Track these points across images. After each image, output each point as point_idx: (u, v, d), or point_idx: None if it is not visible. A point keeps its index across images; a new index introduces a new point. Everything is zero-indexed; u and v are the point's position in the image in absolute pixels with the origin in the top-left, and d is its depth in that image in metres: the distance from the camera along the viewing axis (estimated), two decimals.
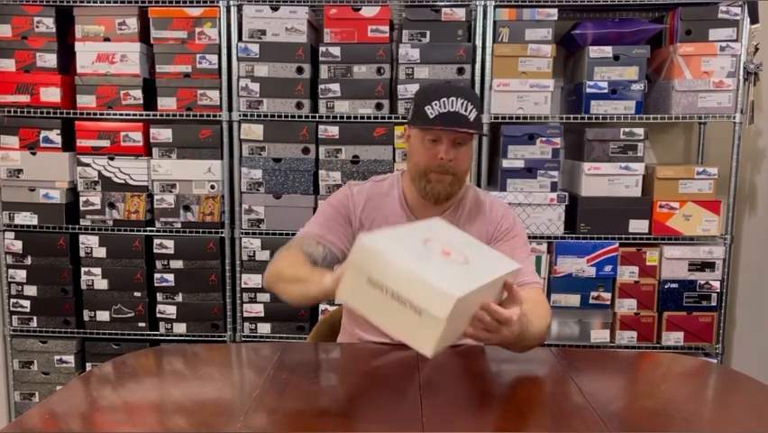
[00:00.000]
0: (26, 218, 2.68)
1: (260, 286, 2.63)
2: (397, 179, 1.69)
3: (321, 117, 2.59)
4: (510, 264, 1.31)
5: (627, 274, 2.58)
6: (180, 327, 2.69)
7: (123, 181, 2.65)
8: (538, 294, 1.55)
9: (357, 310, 1.15)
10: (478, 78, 2.55)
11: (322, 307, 2.63)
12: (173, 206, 2.64)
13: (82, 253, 2.67)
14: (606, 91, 2.52)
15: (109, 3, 2.59)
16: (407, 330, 1.10)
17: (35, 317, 2.73)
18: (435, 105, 1.49)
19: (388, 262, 1.11)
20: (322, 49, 2.55)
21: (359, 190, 1.66)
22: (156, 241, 2.64)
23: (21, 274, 2.70)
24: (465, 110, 1.50)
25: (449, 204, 1.64)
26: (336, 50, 2.55)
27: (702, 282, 2.57)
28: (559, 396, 1.31)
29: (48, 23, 2.60)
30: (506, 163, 2.54)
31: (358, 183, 1.69)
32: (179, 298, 2.68)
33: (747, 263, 2.87)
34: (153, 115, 2.63)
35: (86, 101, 2.63)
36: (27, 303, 2.72)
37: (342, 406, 1.22)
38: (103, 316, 2.70)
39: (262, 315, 2.66)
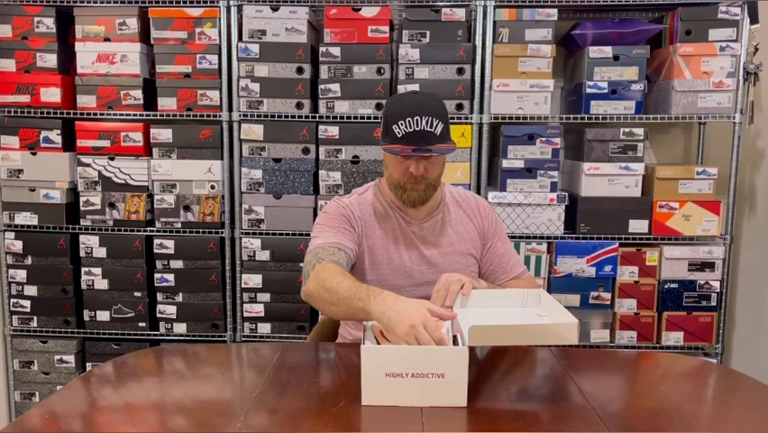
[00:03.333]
0: (26, 218, 2.68)
1: (260, 286, 2.63)
2: (377, 187, 1.76)
3: (321, 117, 2.59)
4: None
5: (627, 274, 2.58)
6: (180, 327, 2.69)
7: (123, 181, 2.65)
8: (531, 280, 1.78)
9: (385, 403, 1.21)
10: (478, 79, 2.55)
11: None
12: (173, 206, 2.64)
13: (82, 253, 2.67)
14: (606, 91, 2.52)
15: (109, 3, 2.59)
16: (438, 395, 1.20)
17: (35, 317, 2.73)
18: (402, 124, 1.54)
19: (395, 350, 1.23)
20: (322, 49, 2.55)
21: (349, 201, 1.72)
22: (156, 241, 2.64)
23: (21, 274, 2.70)
24: (431, 126, 1.54)
25: (430, 206, 1.72)
26: (336, 51, 2.55)
27: (702, 282, 2.57)
28: (559, 396, 1.31)
29: (48, 24, 2.60)
30: (505, 163, 2.55)
31: (342, 197, 1.75)
32: (179, 298, 2.68)
33: (747, 263, 2.87)
34: (153, 116, 2.63)
35: (86, 101, 2.63)
36: (27, 303, 2.72)
37: (342, 406, 1.22)
38: (103, 316, 2.70)
39: (262, 315, 2.66)
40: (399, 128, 1.54)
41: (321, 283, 1.45)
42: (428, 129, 1.54)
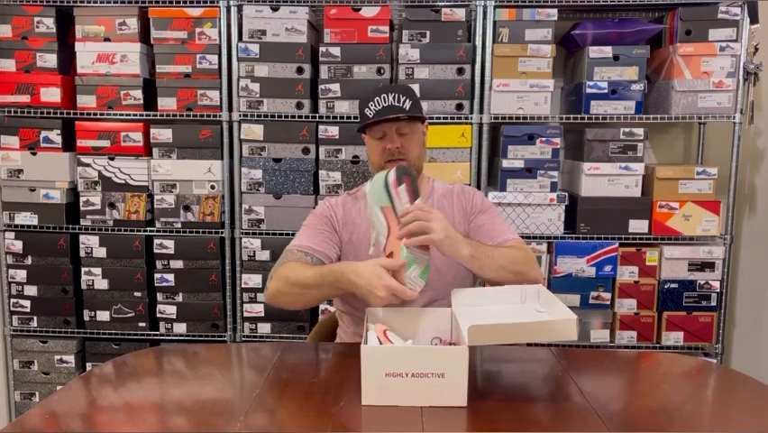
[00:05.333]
0: (26, 218, 2.68)
1: (260, 286, 2.63)
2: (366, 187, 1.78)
3: (321, 117, 2.59)
4: None
5: (627, 274, 2.58)
6: (180, 327, 2.69)
7: (123, 181, 2.65)
8: (518, 244, 1.69)
9: (385, 403, 1.22)
10: (478, 78, 2.55)
11: (322, 307, 2.63)
12: (173, 206, 2.64)
13: (82, 253, 2.67)
14: (606, 91, 2.52)
15: (109, 3, 2.59)
16: (438, 395, 1.20)
17: (35, 317, 2.73)
18: (372, 105, 1.65)
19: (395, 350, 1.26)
20: (322, 49, 2.55)
21: (335, 201, 1.79)
22: (156, 241, 2.64)
23: (21, 274, 2.70)
24: (398, 102, 1.65)
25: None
26: (336, 51, 2.55)
27: (702, 282, 2.57)
28: (559, 396, 1.31)
29: (48, 24, 2.60)
30: (506, 163, 2.55)
31: (332, 197, 1.82)
32: (179, 298, 2.68)
33: (747, 263, 2.87)
34: (153, 116, 2.63)
35: (86, 101, 2.63)
36: (27, 303, 2.72)
37: (342, 406, 1.22)
38: (103, 316, 2.70)
39: (262, 315, 2.66)
40: (370, 109, 1.65)
41: (285, 280, 1.55)
42: (396, 104, 1.64)
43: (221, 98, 2.60)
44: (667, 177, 2.54)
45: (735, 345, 2.90)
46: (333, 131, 2.57)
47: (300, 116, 2.59)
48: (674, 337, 2.59)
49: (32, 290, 2.71)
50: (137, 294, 2.69)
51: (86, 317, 2.71)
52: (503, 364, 1.48)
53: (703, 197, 2.53)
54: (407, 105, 1.65)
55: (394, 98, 1.64)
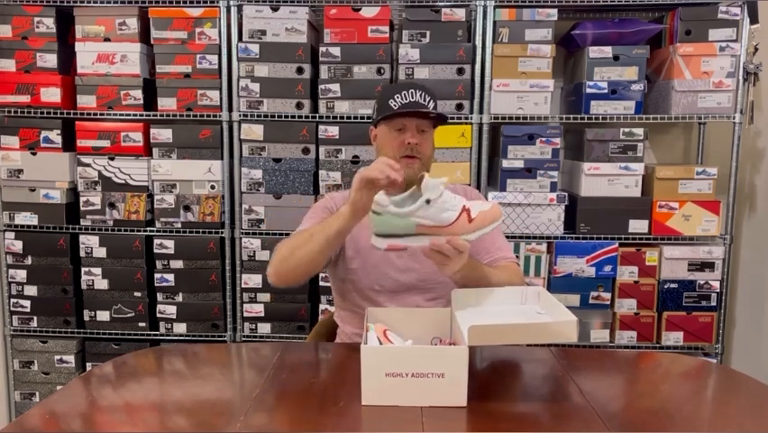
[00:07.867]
0: (26, 218, 2.68)
1: (260, 286, 2.63)
2: None
3: (321, 117, 2.59)
4: None
5: (627, 274, 2.58)
6: (180, 327, 2.69)
7: (123, 181, 2.65)
8: (513, 267, 1.72)
9: (385, 403, 1.22)
10: (478, 79, 2.55)
11: (322, 307, 2.63)
12: (173, 206, 2.64)
13: (82, 253, 2.67)
14: (606, 91, 2.52)
15: (109, 3, 2.59)
16: (437, 395, 1.20)
17: (35, 317, 2.73)
18: (397, 97, 1.66)
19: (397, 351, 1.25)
20: (322, 49, 2.55)
21: (334, 195, 1.83)
22: (156, 241, 2.64)
23: (21, 274, 2.70)
24: (424, 100, 1.67)
25: None
26: (336, 51, 2.55)
27: (702, 282, 2.57)
28: (559, 396, 1.31)
29: (48, 24, 2.60)
30: (505, 163, 2.55)
31: (332, 192, 1.85)
32: (179, 298, 2.68)
33: (747, 263, 2.87)
34: (153, 116, 2.63)
35: (86, 101, 2.63)
36: (27, 303, 2.72)
37: (342, 406, 1.22)
38: (103, 316, 2.70)
39: (262, 315, 2.66)
40: (395, 101, 1.65)
41: (289, 243, 1.59)
42: (422, 102, 1.66)
43: (221, 98, 2.60)
44: (667, 177, 2.54)
45: (735, 345, 2.90)
46: (333, 131, 2.57)
47: (300, 116, 2.59)
48: (674, 337, 2.59)
49: (32, 290, 2.71)
50: (137, 294, 2.69)
51: (86, 317, 2.71)
52: (503, 364, 1.48)
53: (703, 197, 2.53)
54: (431, 105, 1.68)
55: (420, 96, 1.66)
